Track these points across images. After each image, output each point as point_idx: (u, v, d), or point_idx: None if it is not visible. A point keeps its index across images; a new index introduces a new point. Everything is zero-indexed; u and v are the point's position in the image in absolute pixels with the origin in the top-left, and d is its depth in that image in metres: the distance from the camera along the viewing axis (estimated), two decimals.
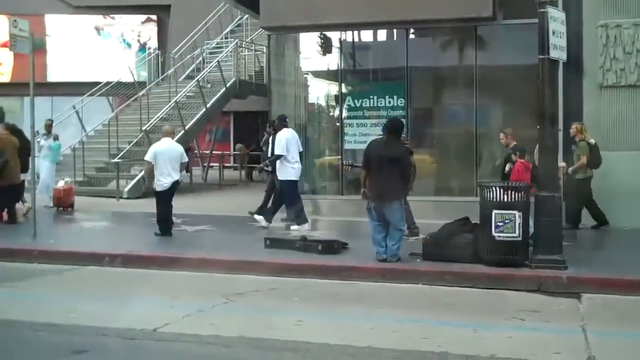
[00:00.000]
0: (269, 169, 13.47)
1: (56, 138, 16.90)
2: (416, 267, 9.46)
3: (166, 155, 12.15)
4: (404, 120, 10.89)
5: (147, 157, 12.26)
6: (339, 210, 14.72)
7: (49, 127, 16.79)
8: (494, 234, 9.27)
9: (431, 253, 9.72)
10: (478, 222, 9.73)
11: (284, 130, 13.06)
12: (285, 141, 12.84)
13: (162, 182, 12.18)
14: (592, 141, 12.50)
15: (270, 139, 13.88)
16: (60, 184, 16.06)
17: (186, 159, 12.80)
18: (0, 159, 12.88)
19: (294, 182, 13.03)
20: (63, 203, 15.77)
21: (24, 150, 13.31)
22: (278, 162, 12.89)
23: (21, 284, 9.16)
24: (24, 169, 13.59)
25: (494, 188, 9.47)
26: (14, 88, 28.85)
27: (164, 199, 12.29)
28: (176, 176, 12.28)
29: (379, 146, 10.04)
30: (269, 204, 13.39)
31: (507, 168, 11.77)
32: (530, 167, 11.38)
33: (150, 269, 9.98)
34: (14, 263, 10.43)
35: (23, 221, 13.65)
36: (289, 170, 12.86)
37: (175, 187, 12.37)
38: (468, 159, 14.44)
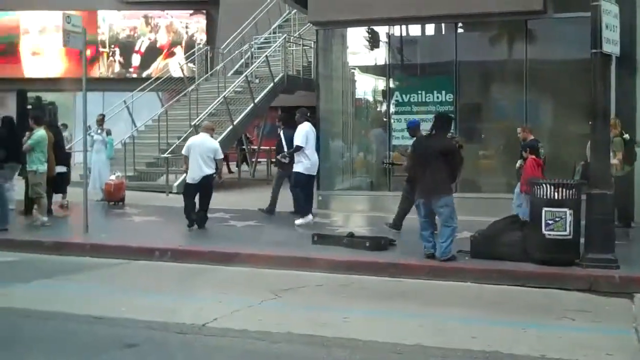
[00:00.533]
0: (286, 160, 13.57)
1: (109, 133, 17.18)
2: (464, 265, 9.39)
3: (198, 149, 12.37)
4: (452, 116, 10.79)
5: (183, 151, 12.81)
6: (387, 207, 14.64)
7: (101, 121, 17.08)
8: (544, 232, 9.15)
9: (480, 251, 9.63)
10: (527, 219, 9.62)
11: (305, 123, 13.23)
12: (305, 134, 13.00)
13: (192, 175, 12.44)
14: (627, 136, 12.28)
15: (282, 132, 14.19)
16: (112, 178, 16.30)
17: (220, 156, 12.79)
18: None
19: (308, 176, 13.16)
20: (114, 197, 16.02)
21: (58, 144, 14.01)
22: (295, 154, 13.04)
23: (74, 277, 9.36)
24: (59, 162, 14.10)
25: (544, 185, 9.34)
26: (66, 83, 29.48)
27: (188, 192, 12.57)
28: (208, 170, 12.37)
29: (426, 141, 10.00)
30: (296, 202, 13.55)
31: (517, 164, 11.66)
32: (542, 163, 11.31)
33: (200, 263, 10.09)
34: (66, 256, 10.65)
35: (61, 215, 13.92)
36: (304, 164, 13.00)
37: (205, 182, 12.41)
38: (517, 155, 14.20)
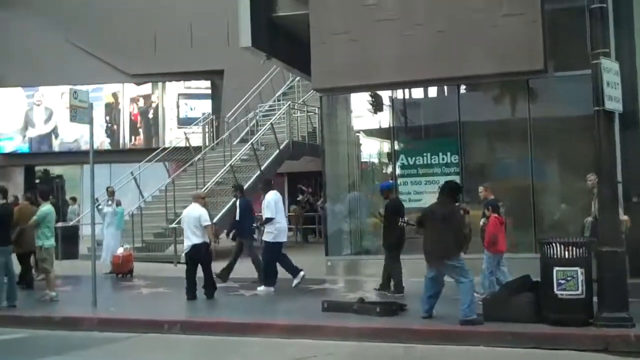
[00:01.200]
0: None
1: (119, 204, 17.26)
2: (476, 328, 9.23)
3: (186, 220, 12.56)
4: (458, 183, 10.84)
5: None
6: None
7: (112, 193, 17.17)
8: (556, 292, 9.04)
9: (492, 313, 9.50)
10: (539, 279, 9.50)
11: (270, 192, 13.62)
12: (274, 203, 13.40)
13: (185, 246, 12.64)
14: None
15: (238, 202, 14.73)
16: (119, 250, 16.28)
17: (205, 222, 12.46)
18: (17, 228, 13.11)
19: (278, 243, 13.42)
20: (122, 270, 15.98)
21: None
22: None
23: (84, 353, 9.26)
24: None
25: (554, 244, 9.26)
26: (73, 156, 29.72)
27: (186, 262, 12.65)
28: (196, 240, 12.35)
29: (432, 207, 10.18)
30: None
31: (481, 223, 11.76)
32: (505, 221, 11.62)
33: (209, 335, 9.97)
34: (75, 332, 10.54)
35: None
36: (273, 233, 13.29)
37: (196, 252, 12.39)
38: (525, 214, 14.16)
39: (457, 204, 10.43)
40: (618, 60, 10.16)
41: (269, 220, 13.24)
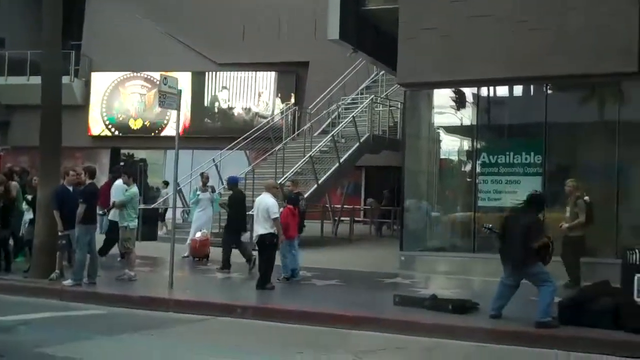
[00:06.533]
0: None
1: (213, 190, 17.62)
2: (551, 331, 9.02)
3: (256, 210, 12.50)
4: (543, 196, 10.62)
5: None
6: (471, 269, 14.38)
7: (207, 179, 17.47)
8: (636, 299, 8.77)
9: (568, 317, 9.27)
10: (619, 285, 9.24)
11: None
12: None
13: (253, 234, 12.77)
14: (587, 198, 12.49)
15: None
16: (197, 235, 16.59)
17: (274, 215, 12.18)
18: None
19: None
20: (199, 254, 16.29)
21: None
22: None
23: (157, 332, 9.46)
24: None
25: (637, 251, 8.99)
26: (158, 141, 30.40)
27: (257, 252, 12.76)
28: (261, 230, 12.22)
29: (513, 215, 10.00)
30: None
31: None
32: (297, 212, 13.17)
33: (280, 321, 10.06)
34: (151, 311, 10.81)
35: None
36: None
37: (260, 243, 12.34)
38: (608, 218, 13.76)
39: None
40: None
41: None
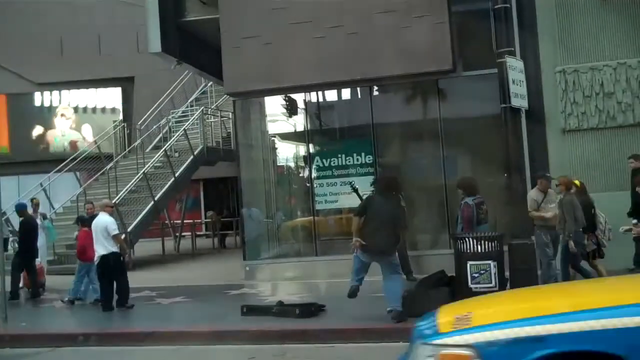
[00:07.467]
0: None
1: (44, 217, 16.66)
2: (400, 325, 9.17)
3: (94, 230, 12.21)
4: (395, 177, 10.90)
5: None
6: (314, 272, 14.59)
7: (37, 205, 16.49)
8: (470, 285, 9.22)
9: (411, 309, 9.58)
10: (454, 274, 9.69)
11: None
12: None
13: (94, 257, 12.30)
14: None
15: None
16: None
17: (113, 232, 12.08)
18: None
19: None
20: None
21: None
22: None
23: None
24: None
25: (467, 239, 9.45)
26: None
27: (98, 274, 12.40)
28: (102, 251, 12.02)
29: (381, 203, 9.76)
30: None
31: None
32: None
33: (126, 345, 9.75)
34: None
35: None
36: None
37: (104, 263, 12.04)
38: (440, 211, 14.45)
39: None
40: (522, 58, 10.47)
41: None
